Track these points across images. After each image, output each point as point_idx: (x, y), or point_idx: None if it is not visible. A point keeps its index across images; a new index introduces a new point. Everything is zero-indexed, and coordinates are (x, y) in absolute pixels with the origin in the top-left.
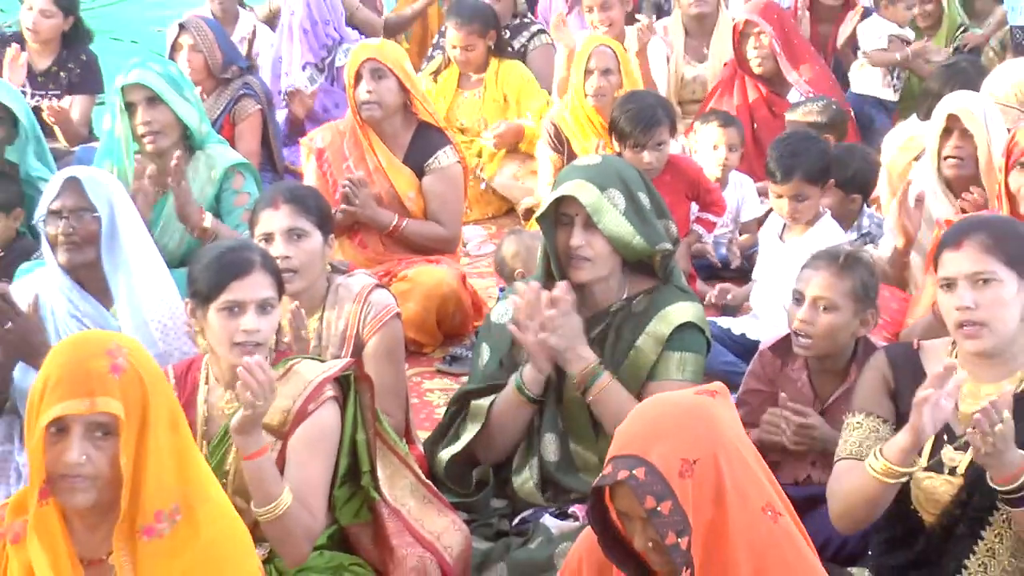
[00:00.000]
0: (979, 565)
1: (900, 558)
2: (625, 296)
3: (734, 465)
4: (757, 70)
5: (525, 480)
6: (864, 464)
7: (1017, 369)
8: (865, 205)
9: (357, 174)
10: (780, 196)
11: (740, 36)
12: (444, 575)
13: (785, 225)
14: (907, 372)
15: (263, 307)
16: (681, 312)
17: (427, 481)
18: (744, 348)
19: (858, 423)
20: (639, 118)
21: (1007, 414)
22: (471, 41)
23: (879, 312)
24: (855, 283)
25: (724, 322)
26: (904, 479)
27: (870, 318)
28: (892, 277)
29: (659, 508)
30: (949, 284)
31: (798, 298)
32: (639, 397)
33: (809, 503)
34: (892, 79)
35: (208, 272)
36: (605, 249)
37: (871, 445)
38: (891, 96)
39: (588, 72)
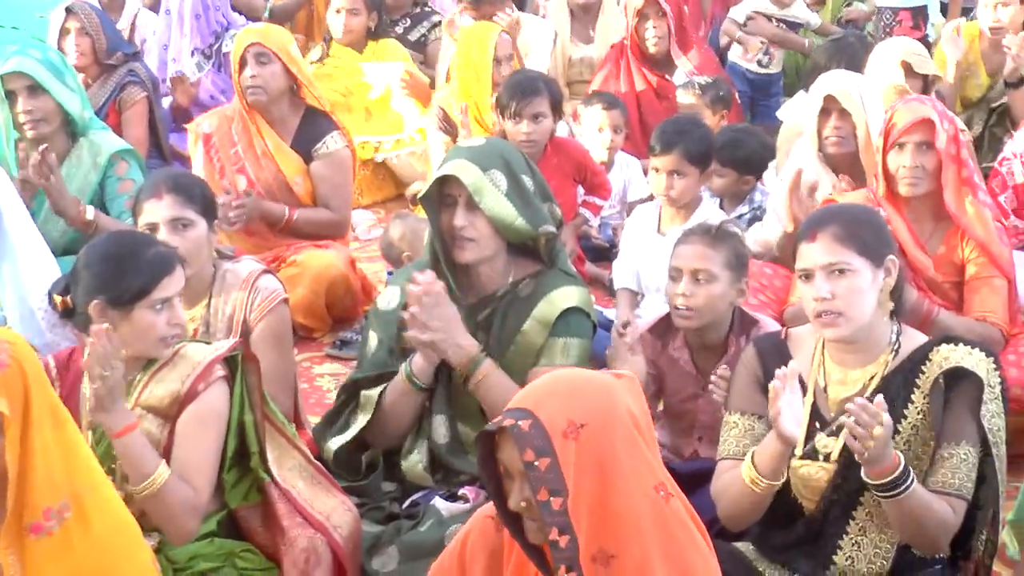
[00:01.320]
0: (852, 544)
1: (779, 538)
2: (511, 280)
3: (625, 443)
4: (652, 50)
5: (414, 463)
6: (740, 469)
7: (880, 353)
8: (759, 184)
9: (237, 198)
10: (658, 171)
11: (640, 16)
12: (334, 555)
13: (661, 218)
14: (776, 363)
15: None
16: (566, 296)
17: (316, 462)
18: None
19: (734, 423)
20: (518, 88)
21: (886, 417)
22: (357, 5)
23: (751, 284)
24: (729, 253)
25: (609, 312)
26: (777, 486)
27: (745, 287)
28: (781, 258)
29: (537, 463)
30: (807, 275)
31: (675, 275)
32: (524, 383)
33: (696, 479)
34: (760, 54)
35: (135, 274)
36: (488, 230)
37: (748, 444)
38: (756, 68)
39: (497, 61)
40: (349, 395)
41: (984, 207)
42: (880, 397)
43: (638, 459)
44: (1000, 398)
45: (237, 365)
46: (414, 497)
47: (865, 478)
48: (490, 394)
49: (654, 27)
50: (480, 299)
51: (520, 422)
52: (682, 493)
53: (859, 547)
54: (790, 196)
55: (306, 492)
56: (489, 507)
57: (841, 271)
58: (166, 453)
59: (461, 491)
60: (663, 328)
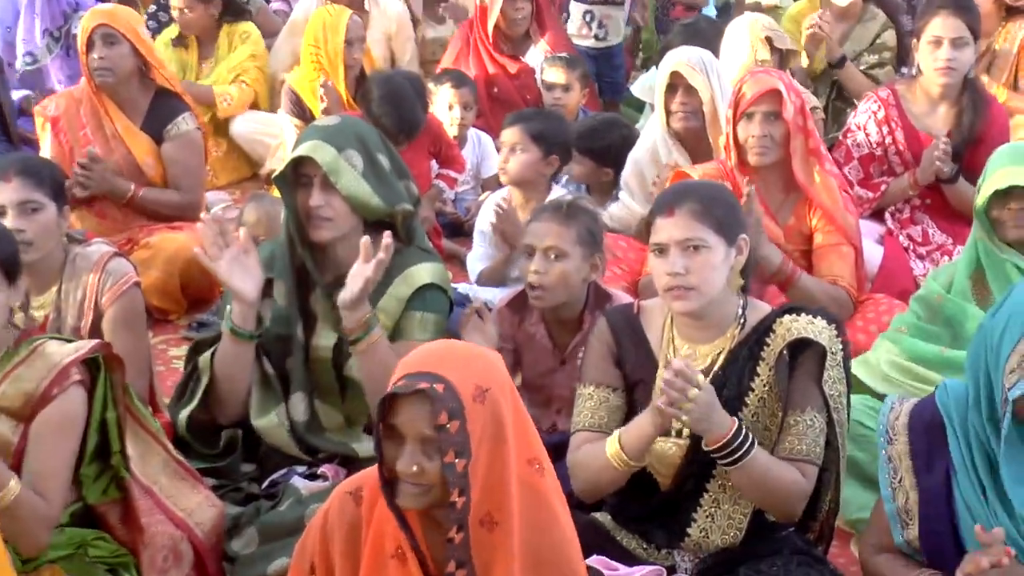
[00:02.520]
0: (706, 516)
1: (636, 510)
2: None
3: (514, 412)
4: (517, 28)
5: (274, 425)
6: (603, 444)
7: (728, 327)
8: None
9: (91, 151)
10: (500, 148)
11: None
12: (196, 551)
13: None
14: (628, 336)
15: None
16: (423, 273)
17: (179, 457)
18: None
19: (589, 394)
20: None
21: (702, 378)
22: (190, 3)
23: (606, 256)
24: (580, 229)
25: (464, 288)
26: (639, 467)
27: (599, 262)
28: (637, 235)
29: (448, 425)
30: (661, 250)
31: (529, 252)
32: None
33: (557, 451)
34: (592, 28)
35: None
36: (344, 209)
37: (604, 416)
38: (594, 43)
39: (348, 43)
40: (190, 363)
41: (831, 177)
42: (702, 377)
43: (521, 429)
44: (841, 365)
45: (99, 365)
46: (273, 476)
47: (705, 448)
48: (375, 358)
49: (518, 8)
50: (337, 277)
51: (435, 384)
52: (551, 466)
53: (713, 519)
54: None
55: (169, 488)
56: (348, 483)
57: (696, 247)
58: (18, 455)
59: (320, 470)
60: (519, 303)
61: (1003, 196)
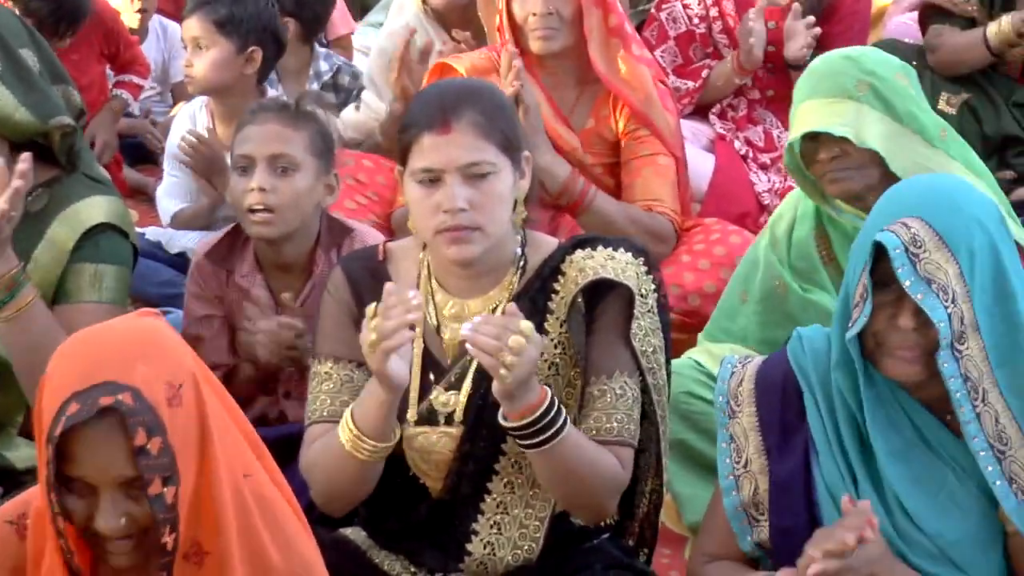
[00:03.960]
0: (491, 526)
1: (395, 525)
2: None
3: (212, 407)
4: None
5: None
6: (337, 430)
7: (504, 275)
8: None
9: None
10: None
11: None
12: None
13: (215, 119)
14: (372, 291)
15: None
16: (93, 210)
17: None
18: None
19: (327, 373)
20: None
21: (525, 323)
22: None
23: (340, 178)
24: (313, 134)
25: (154, 233)
26: (387, 449)
27: (335, 182)
28: (385, 147)
29: (149, 446)
30: (433, 178)
31: (245, 166)
32: None
33: (287, 448)
34: None
35: None
36: None
37: (347, 401)
38: None
39: None
40: None
41: (640, 64)
42: (513, 305)
43: (224, 428)
44: (655, 309)
45: None
46: None
47: (503, 422)
48: (28, 331)
49: None
50: None
51: (119, 396)
52: (274, 468)
53: (499, 529)
54: (398, 64)
55: None
56: (5, 512)
57: (482, 174)
58: None
59: None
60: (224, 251)
61: (811, 142)
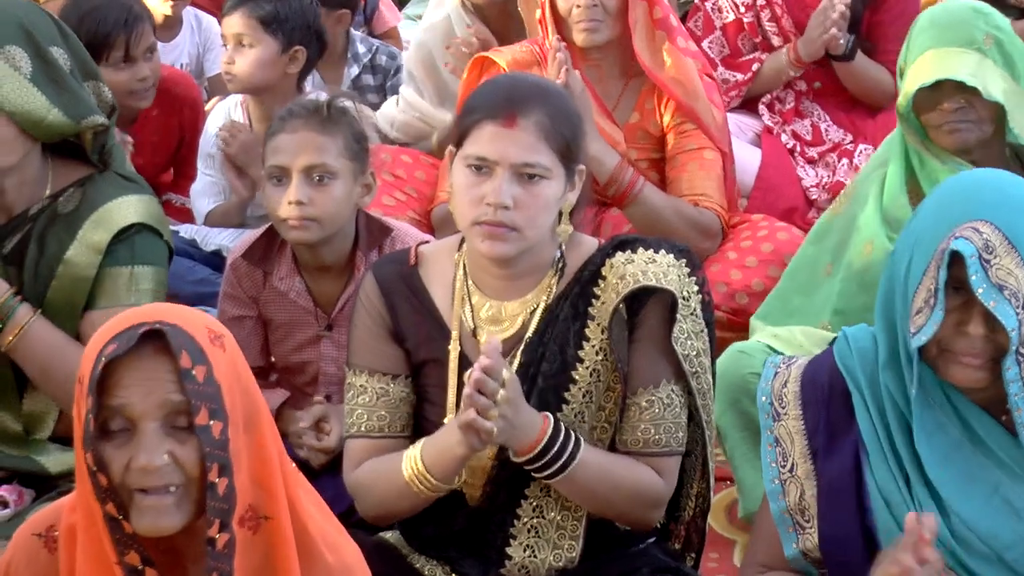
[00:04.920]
0: (528, 530)
1: (432, 531)
2: (48, 193)
3: (252, 375)
4: None
5: None
6: (396, 461)
7: (543, 276)
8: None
9: None
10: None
11: None
12: None
13: (251, 117)
14: (405, 298)
15: None
16: (127, 210)
17: None
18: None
19: (362, 386)
20: None
21: (507, 374)
22: None
23: (377, 174)
24: (347, 136)
25: (188, 231)
26: (449, 490)
27: (372, 180)
28: (437, 154)
29: (194, 371)
30: (482, 167)
31: (279, 176)
32: (78, 333)
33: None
34: None
35: None
36: (10, 131)
37: (386, 415)
38: None
39: None
40: None
41: (686, 56)
42: (496, 340)
43: (264, 404)
44: (698, 312)
45: None
46: None
47: (515, 459)
48: (33, 353)
49: None
50: (8, 222)
51: (164, 326)
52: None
53: (538, 533)
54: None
55: None
56: (34, 522)
57: (534, 176)
58: None
59: None
60: (261, 251)
61: (931, 91)
